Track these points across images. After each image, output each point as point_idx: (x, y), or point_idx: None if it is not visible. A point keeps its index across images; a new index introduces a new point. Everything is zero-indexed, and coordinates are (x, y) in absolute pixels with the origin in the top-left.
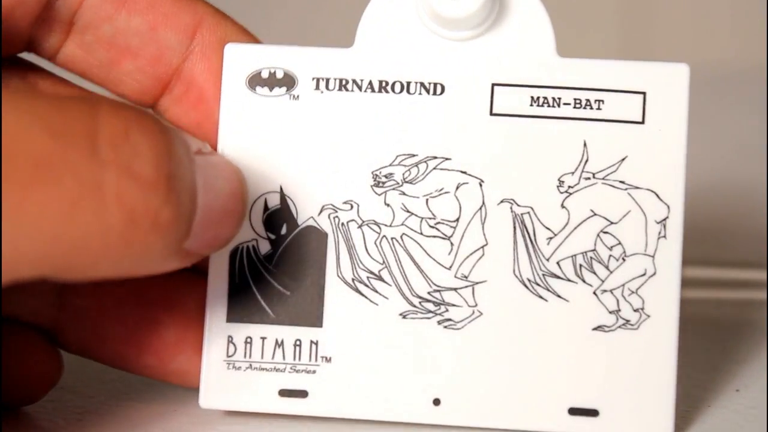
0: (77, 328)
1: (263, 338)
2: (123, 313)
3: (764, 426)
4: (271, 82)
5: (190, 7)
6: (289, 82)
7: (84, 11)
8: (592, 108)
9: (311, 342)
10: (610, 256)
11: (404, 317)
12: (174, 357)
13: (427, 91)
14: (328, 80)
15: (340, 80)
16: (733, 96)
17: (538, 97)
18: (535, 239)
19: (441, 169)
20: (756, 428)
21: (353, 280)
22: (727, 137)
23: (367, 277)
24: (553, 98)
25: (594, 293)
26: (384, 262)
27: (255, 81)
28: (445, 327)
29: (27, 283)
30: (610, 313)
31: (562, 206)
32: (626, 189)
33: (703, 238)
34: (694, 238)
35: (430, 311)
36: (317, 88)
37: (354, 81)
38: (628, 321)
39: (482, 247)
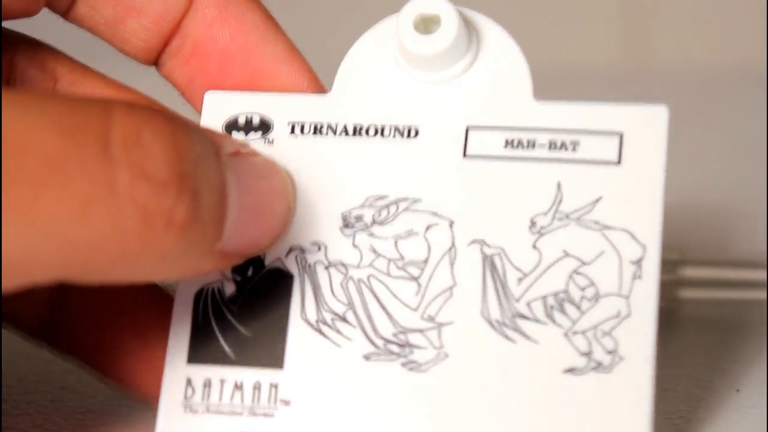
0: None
1: (222, 380)
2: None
3: (765, 426)
4: (248, 127)
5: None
6: (264, 127)
7: None
8: (567, 149)
9: (270, 385)
10: (583, 297)
11: (367, 359)
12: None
13: (401, 135)
14: (303, 125)
15: (315, 125)
16: (733, 96)
17: (512, 140)
18: (505, 280)
19: (411, 210)
20: (756, 428)
21: (317, 321)
22: (728, 137)
23: (332, 319)
24: (528, 140)
25: (565, 335)
26: (349, 303)
27: (231, 126)
28: (410, 369)
29: (45, 285)
30: (582, 355)
31: (534, 247)
32: (600, 229)
33: (703, 237)
34: (695, 237)
35: (394, 353)
36: (292, 132)
37: (329, 125)
38: (600, 363)
39: (450, 288)
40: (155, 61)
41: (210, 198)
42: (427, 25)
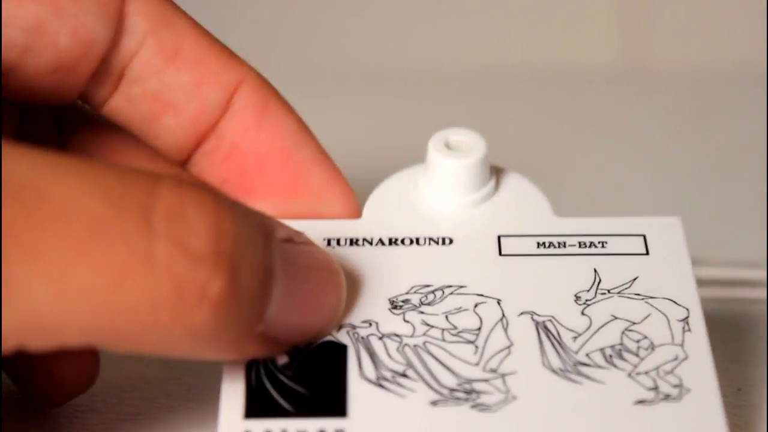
0: None
1: (284, 430)
2: None
3: (765, 425)
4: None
5: (234, 66)
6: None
7: (135, 65)
8: (596, 246)
9: (336, 431)
10: (639, 347)
11: (435, 405)
12: None
13: (436, 243)
14: (339, 239)
15: (351, 239)
16: (733, 96)
17: (543, 242)
18: (560, 338)
19: (457, 294)
20: (758, 427)
21: (377, 378)
22: (728, 137)
23: (392, 376)
24: (558, 242)
25: (629, 375)
26: (408, 363)
27: None
28: (480, 410)
29: (75, 349)
30: (649, 390)
31: (582, 314)
32: (643, 299)
33: (703, 237)
34: (695, 237)
35: (461, 399)
36: (329, 245)
37: (365, 239)
38: (669, 395)
39: (508, 347)
40: (186, 160)
41: (251, 278)
42: (455, 149)
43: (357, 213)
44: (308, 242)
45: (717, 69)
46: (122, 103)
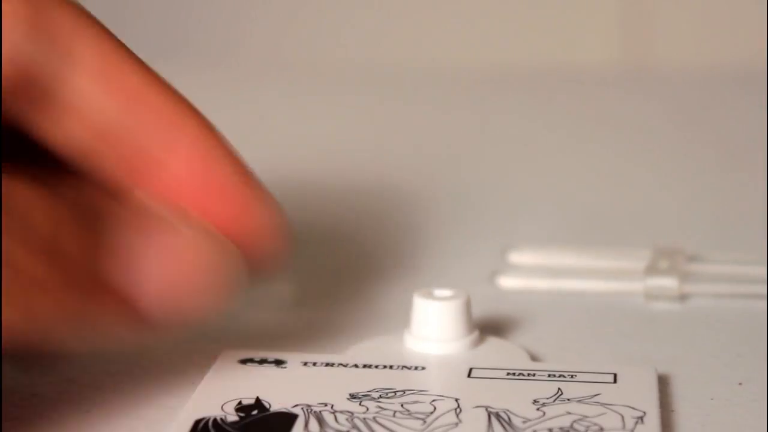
0: None
1: None
2: None
3: (766, 420)
4: (262, 362)
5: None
6: (279, 362)
7: (69, 94)
8: (565, 377)
9: None
10: (588, 428)
11: None
12: None
13: (408, 369)
14: (315, 362)
15: (327, 362)
16: (733, 96)
17: (514, 371)
18: (510, 421)
19: (418, 393)
20: (758, 422)
21: None
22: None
23: None
24: (529, 373)
25: None
26: (354, 426)
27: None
28: None
29: None
30: None
31: (538, 410)
32: (602, 406)
33: (704, 236)
34: (696, 236)
35: None
36: (305, 365)
37: (341, 364)
38: None
39: (456, 423)
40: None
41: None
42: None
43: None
44: (188, 223)
45: (717, 69)
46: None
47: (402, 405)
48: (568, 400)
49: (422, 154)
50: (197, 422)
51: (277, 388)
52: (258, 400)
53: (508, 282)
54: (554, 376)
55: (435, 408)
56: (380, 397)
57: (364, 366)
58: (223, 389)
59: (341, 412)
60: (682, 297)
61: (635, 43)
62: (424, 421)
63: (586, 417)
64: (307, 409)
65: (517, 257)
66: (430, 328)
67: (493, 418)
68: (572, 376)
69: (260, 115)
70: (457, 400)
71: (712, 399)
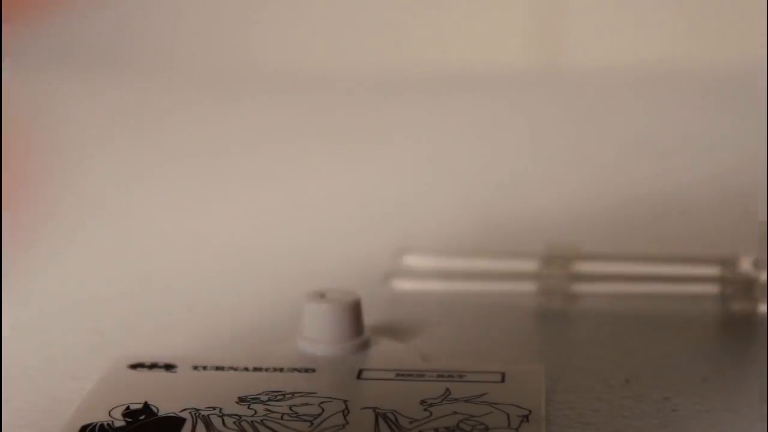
0: None
1: None
2: None
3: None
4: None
5: None
6: (169, 366)
7: None
8: (453, 377)
9: None
10: (474, 428)
11: None
12: None
13: (299, 371)
14: (206, 366)
15: (217, 366)
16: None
17: (403, 372)
18: (397, 421)
19: (307, 396)
20: (645, 420)
21: None
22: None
23: None
24: (418, 374)
25: None
26: (241, 429)
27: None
28: None
29: None
30: None
31: (425, 410)
32: (489, 404)
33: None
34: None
35: None
36: (195, 369)
37: (231, 367)
38: None
39: (343, 425)
40: None
41: None
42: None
43: None
44: None
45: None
46: None
47: (290, 407)
48: (456, 399)
49: (318, 155)
50: (83, 428)
51: (167, 392)
52: (146, 404)
53: (402, 284)
54: (443, 376)
55: (323, 410)
56: (269, 400)
57: (255, 369)
58: (112, 394)
59: (229, 415)
60: (572, 297)
61: (543, 46)
62: (312, 423)
63: (473, 416)
64: (194, 413)
65: (411, 260)
66: (320, 330)
67: (380, 419)
68: (461, 376)
69: None
70: (345, 401)
71: (599, 397)
